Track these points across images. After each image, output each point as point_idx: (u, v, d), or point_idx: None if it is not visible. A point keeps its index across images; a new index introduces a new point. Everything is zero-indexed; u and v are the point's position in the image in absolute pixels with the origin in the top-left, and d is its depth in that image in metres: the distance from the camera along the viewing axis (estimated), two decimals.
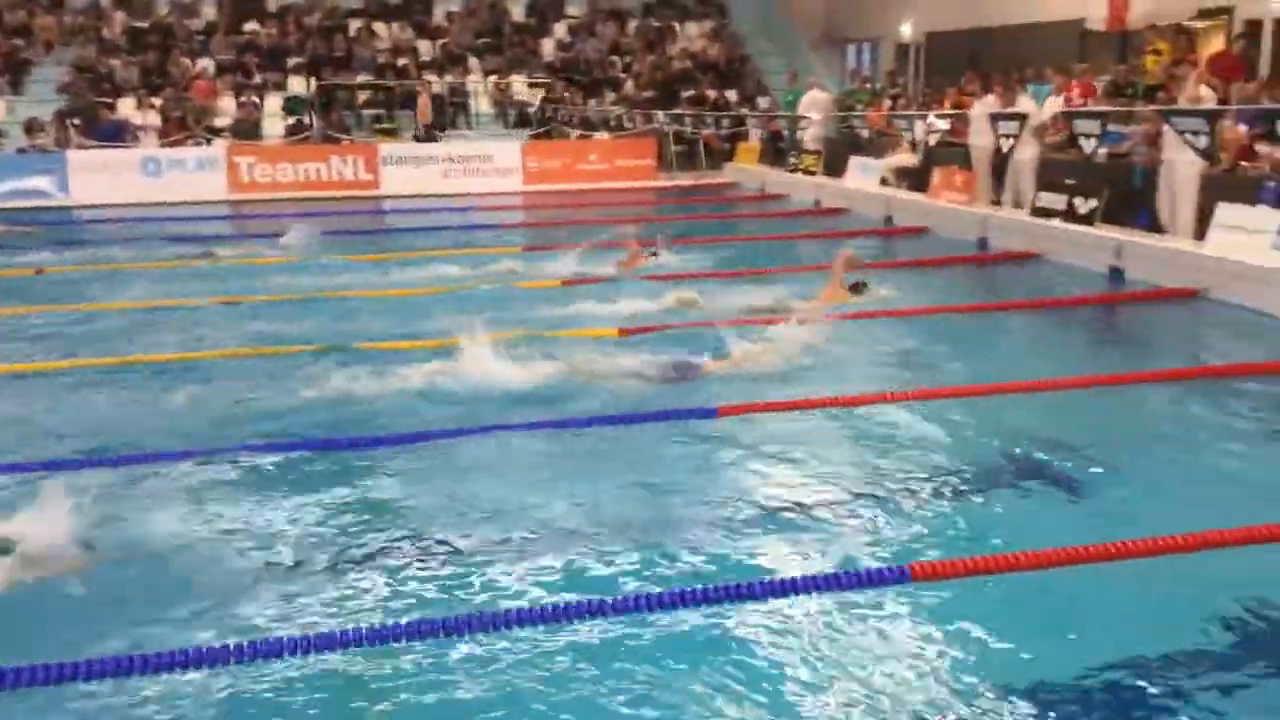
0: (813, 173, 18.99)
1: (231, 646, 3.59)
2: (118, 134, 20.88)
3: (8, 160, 19.78)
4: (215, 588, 4.23)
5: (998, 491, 5.21)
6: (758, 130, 22.53)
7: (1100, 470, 5.51)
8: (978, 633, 3.89)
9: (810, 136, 19.83)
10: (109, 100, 22.39)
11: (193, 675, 3.54)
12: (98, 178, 19.24)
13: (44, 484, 4.72)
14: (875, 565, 4.25)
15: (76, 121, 20.89)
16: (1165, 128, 11.30)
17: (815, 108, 20.02)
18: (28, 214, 16.87)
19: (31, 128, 20.18)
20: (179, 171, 19.92)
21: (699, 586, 4.05)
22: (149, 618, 3.98)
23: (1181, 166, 11.06)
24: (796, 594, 4.01)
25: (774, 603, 4.01)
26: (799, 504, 5.04)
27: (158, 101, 22.03)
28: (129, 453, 5.68)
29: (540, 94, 24.62)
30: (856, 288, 9.00)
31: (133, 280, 11.04)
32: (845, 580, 4.09)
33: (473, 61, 25.76)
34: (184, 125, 21.59)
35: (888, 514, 4.92)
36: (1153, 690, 3.56)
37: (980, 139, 14.84)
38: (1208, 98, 11.27)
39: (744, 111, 24.14)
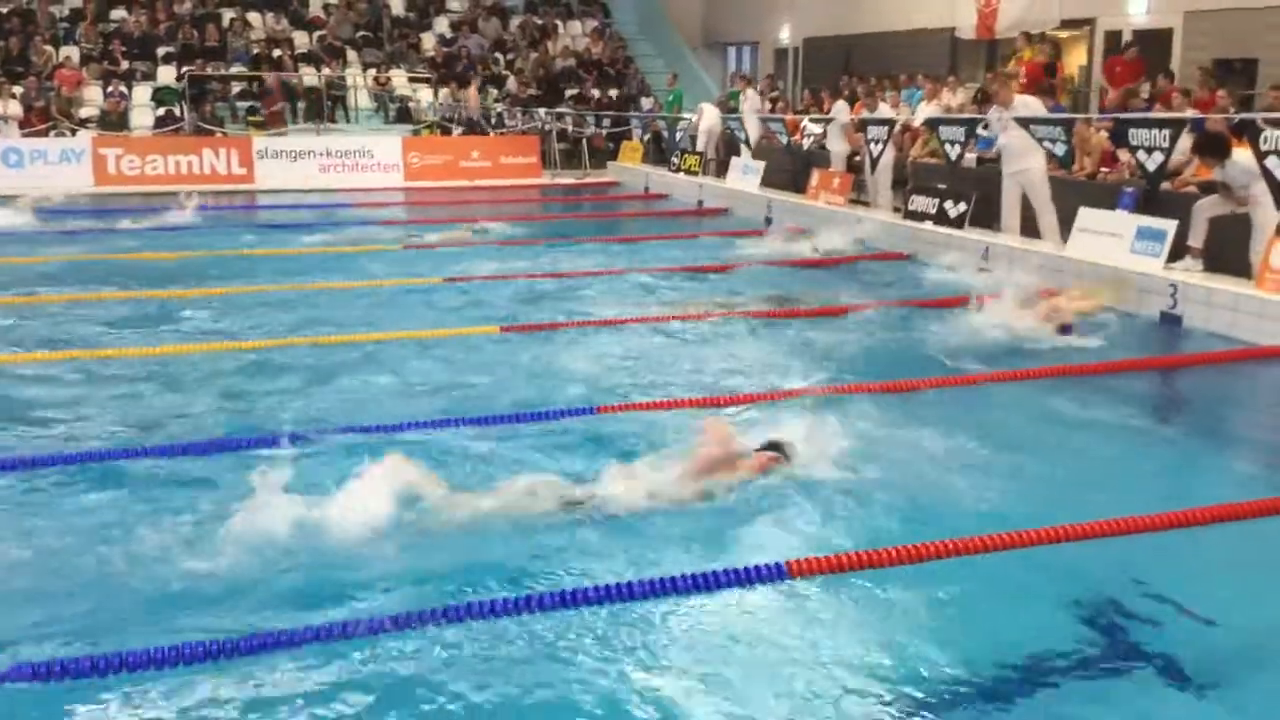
0: (695, 173, 19.19)
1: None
2: None
3: None
4: None
5: (866, 489, 5.31)
6: (639, 130, 22.64)
7: (970, 465, 5.70)
8: (852, 627, 4.01)
9: (709, 146, 19.95)
10: None
11: None
12: None
13: None
14: (752, 563, 4.32)
15: None
16: (1002, 135, 11.71)
17: (709, 117, 20.13)
18: None
19: None
20: (42, 163, 19.15)
21: (575, 588, 4.09)
22: None
23: (1035, 173, 11.47)
24: (675, 593, 4.07)
25: (652, 602, 4.07)
26: (674, 503, 5.07)
27: (18, 90, 21.17)
28: None
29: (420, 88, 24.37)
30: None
31: None
32: (723, 578, 4.17)
33: (351, 55, 25.34)
34: (47, 115, 20.77)
35: (763, 512, 4.98)
36: (1017, 679, 3.72)
37: (835, 144, 15.31)
38: (1033, 105, 11.76)
39: (629, 112, 24.24)
